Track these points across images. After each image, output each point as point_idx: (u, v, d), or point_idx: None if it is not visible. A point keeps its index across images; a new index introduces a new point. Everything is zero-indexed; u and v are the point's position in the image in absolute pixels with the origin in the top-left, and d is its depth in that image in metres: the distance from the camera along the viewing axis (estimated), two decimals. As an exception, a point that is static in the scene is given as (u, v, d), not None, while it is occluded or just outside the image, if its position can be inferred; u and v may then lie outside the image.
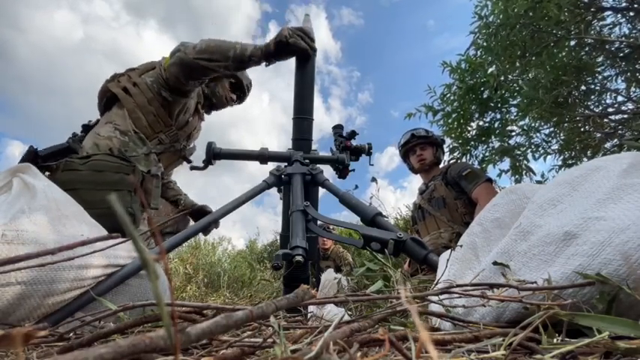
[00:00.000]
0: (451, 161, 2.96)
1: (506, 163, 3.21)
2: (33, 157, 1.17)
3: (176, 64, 1.33)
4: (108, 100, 1.42)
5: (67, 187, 0.99)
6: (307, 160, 1.33)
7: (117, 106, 1.38)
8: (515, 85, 3.16)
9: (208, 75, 1.38)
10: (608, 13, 2.87)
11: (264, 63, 1.36)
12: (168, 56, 1.39)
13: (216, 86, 1.65)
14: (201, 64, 1.31)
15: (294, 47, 1.32)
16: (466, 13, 3.12)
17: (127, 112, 1.34)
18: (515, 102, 3.24)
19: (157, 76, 1.40)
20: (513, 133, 3.31)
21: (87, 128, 1.42)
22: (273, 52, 1.32)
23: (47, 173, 1.14)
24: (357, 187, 1.40)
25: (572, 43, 2.85)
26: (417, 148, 2.14)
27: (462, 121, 3.27)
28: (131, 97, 1.35)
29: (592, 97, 3.11)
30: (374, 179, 1.59)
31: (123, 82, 1.38)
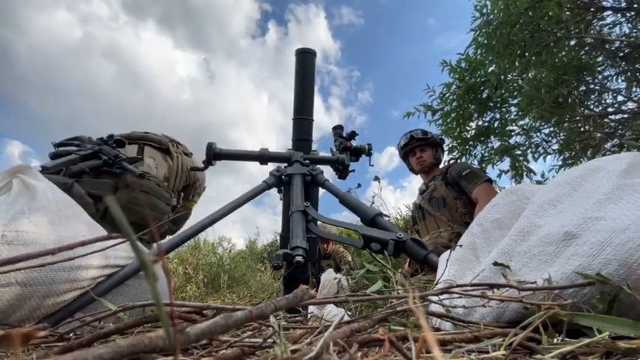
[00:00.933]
0: (451, 161, 2.96)
1: (506, 164, 3.20)
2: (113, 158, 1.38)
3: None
4: (154, 147, 1.68)
5: (142, 189, 1.39)
6: (307, 161, 1.33)
7: (163, 157, 1.67)
8: (515, 84, 3.15)
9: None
10: (609, 12, 2.87)
11: None
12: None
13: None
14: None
15: None
16: (467, 12, 3.11)
17: (168, 168, 1.65)
18: (515, 101, 3.24)
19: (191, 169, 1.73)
20: (513, 133, 3.31)
21: (119, 143, 1.57)
22: None
23: (125, 173, 1.36)
24: (359, 185, 1.40)
25: (573, 42, 2.84)
26: (416, 150, 2.14)
27: (460, 120, 3.26)
28: (177, 163, 1.69)
29: (592, 96, 3.11)
30: (377, 178, 1.59)
31: (175, 149, 1.72)
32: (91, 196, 1.24)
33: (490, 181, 1.87)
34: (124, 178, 1.35)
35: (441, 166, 2.20)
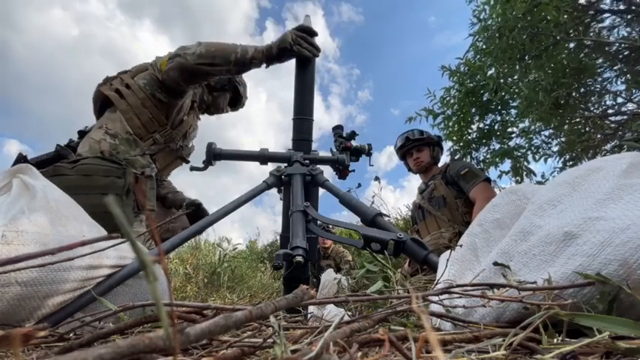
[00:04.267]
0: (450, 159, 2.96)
1: (506, 165, 3.21)
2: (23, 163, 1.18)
3: (175, 69, 1.32)
4: (102, 104, 1.42)
5: (79, 183, 1.08)
6: (307, 161, 1.33)
7: (109, 110, 1.38)
8: (514, 87, 3.16)
9: (209, 79, 1.39)
10: (607, 15, 2.87)
11: (265, 65, 1.37)
12: (166, 59, 1.38)
13: (219, 97, 1.66)
14: (203, 69, 1.30)
15: (298, 54, 1.33)
16: (467, 10, 3.11)
17: (120, 113, 1.33)
18: (515, 104, 3.24)
19: (150, 77, 1.39)
20: (513, 135, 3.31)
21: (83, 134, 1.41)
22: (275, 56, 1.32)
23: None
24: (360, 185, 1.40)
25: (572, 45, 2.85)
26: (413, 151, 2.14)
27: (462, 124, 3.27)
28: (124, 99, 1.35)
29: (592, 98, 3.11)
30: (377, 178, 1.59)
31: (115, 85, 1.38)
32: None
33: (488, 180, 1.87)
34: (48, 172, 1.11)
35: (440, 164, 2.19)
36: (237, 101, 1.73)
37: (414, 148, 2.14)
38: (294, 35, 1.32)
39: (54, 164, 1.15)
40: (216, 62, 1.30)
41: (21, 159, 1.18)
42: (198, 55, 1.30)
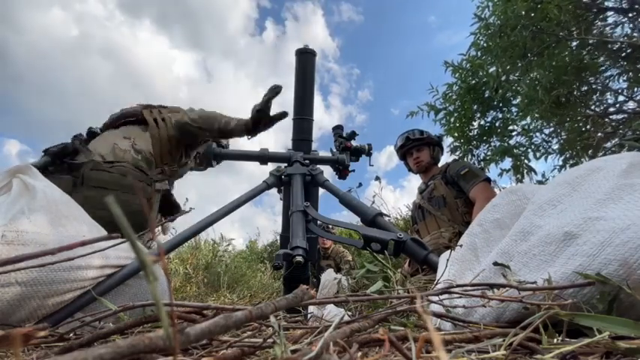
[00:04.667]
0: (450, 159, 2.96)
1: (507, 163, 3.20)
2: (62, 153, 1.28)
3: (176, 127, 1.50)
4: (133, 121, 1.56)
5: (96, 184, 1.22)
6: (307, 161, 1.33)
7: (140, 127, 1.51)
8: (516, 85, 3.16)
9: (196, 140, 1.55)
10: (610, 13, 2.87)
11: (247, 137, 1.50)
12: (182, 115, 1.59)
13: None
14: (191, 130, 1.48)
15: (271, 121, 1.43)
16: (468, 9, 3.11)
17: (151, 137, 1.49)
18: (516, 102, 3.24)
19: (180, 120, 1.58)
20: (514, 133, 3.31)
21: (93, 134, 1.49)
22: (252, 129, 1.44)
23: (69, 171, 1.24)
24: (360, 184, 1.40)
25: (574, 43, 2.84)
26: (413, 150, 2.14)
27: (463, 120, 3.27)
28: (157, 129, 1.52)
29: (593, 96, 3.11)
30: (377, 178, 1.59)
31: (155, 114, 1.56)
32: None
33: (488, 180, 1.86)
34: (81, 174, 1.24)
35: (440, 164, 2.19)
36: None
37: (414, 148, 2.13)
38: (265, 105, 1.39)
39: (90, 159, 1.29)
40: (203, 127, 1.48)
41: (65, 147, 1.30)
42: (193, 119, 1.48)
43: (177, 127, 1.50)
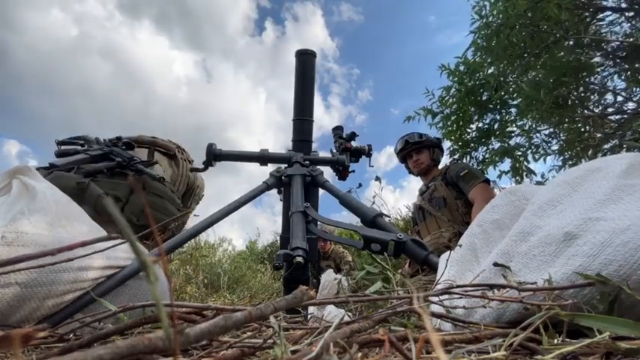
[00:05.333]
0: (450, 161, 2.95)
1: (506, 164, 3.20)
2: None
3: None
4: (162, 152, 1.69)
5: (157, 192, 1.41)
6: (307, 162, 1.33)
7: (169, 163, 1.67)
8: (515, 85, 3.15)
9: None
10: (608, 12, 2.87)
11: None
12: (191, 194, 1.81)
13: None
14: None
15: None
16: (467, 9, 3.11)
17: (176, 175, 1.66)
18: (514, 103, 3.24)
19: (193, 175, 1.77)
20: (513, 134, 3.31)
21: (128, 144, 1.57)
22: None
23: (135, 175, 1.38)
24: (360, 185, 1.40)
25: (572, 43, 2.84)
26: (412, 153, 2.16)
27: (461, 123, 3.27)
28: (181, 171, 1.69)
29: (592, 97, 3.11)
30: (377, 178, 1.59)
31: (181, 155, 1.73)
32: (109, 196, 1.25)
33: (487, 181, 1.87)
34: (139, 181, 1.37)
35: (441, 166, 2.20)
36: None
37: (414, 151, 2.15)
38: None
39: (144, 173, 1.43)
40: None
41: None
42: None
43: (189, 186, 1.73)
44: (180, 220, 1.85)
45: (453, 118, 3.26)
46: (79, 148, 1.41)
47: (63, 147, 1.43)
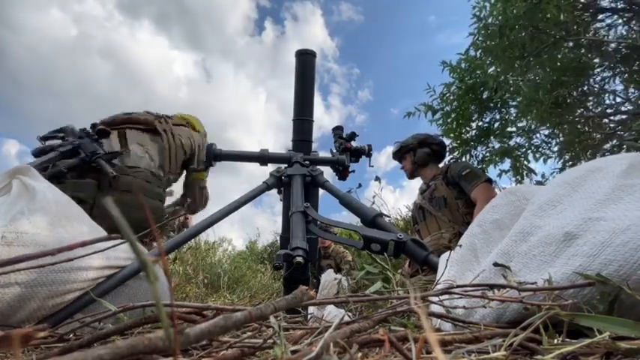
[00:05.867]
0: (451, 161, 2.96)
1: (506, 164, 3.21)
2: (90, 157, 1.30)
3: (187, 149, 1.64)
4: (143, 129, 1.58)
5: (126, 188, 1.29)
6: (307, 162, 1.33)
7: (152, 138, 1.54)
8: (514, 85, 3.16)
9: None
10: (607, 14, 2.87)
11: None
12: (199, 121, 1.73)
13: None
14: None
15: None
16: (468, 9, 3.11)
17: (161, 148, 1.54)
18: (514, 103, 3.25)
19: (188, 139, 1.65)
20: (513, 134, 3.31)
21: (101, 132, 1.46)
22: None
23: (110, 170, 1.27)
24: (360, 185, 1.40)
25: (571, 44, 2.85)
26: (401, 161, 2.24)
27: (461, 121, 3.27)
28: (167, 142, 1.57)
29: (591, 98, 3.11)
30: (377, 178, 1.59)
31: (164, 125, 1.59)
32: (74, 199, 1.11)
33: (489, 181, 1.87)
34: (107, 177, 1.25)
35: (441, 165, 2.20)
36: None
37: (400, 160, 2.23)
38: None
39: (119, 166, 1.34)
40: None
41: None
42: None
43: (189, 151, 1.61)
44: (201, 197, 1.78)
45: (453, 115, 3.27)
46: (56, 143, 1.32)
47: (44, 142, 1.34)
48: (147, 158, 1.46)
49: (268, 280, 4.37)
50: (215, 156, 1.37)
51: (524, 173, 3.13)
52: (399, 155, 2.22)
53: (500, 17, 2.82)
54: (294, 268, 0.91)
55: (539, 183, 3.11)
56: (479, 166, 3.28)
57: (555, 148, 3.23)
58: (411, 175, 2.19)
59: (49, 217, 0.73)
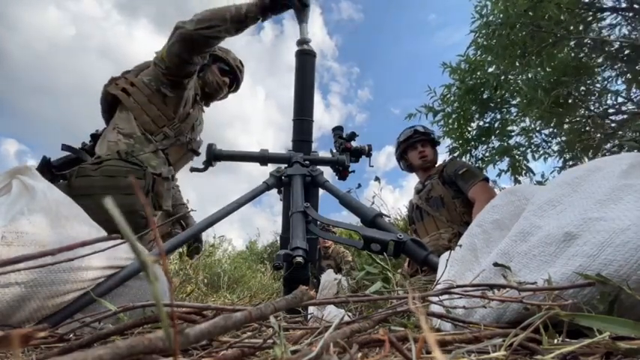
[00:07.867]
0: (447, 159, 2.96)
1: (505, 163, 3.21)
2: (47, 166, 1.21)
3: (178, 41, 1.33)
4: (110, 105, 1.44)
5: (82, 192, 1.07)
6: (307, 162, 1.33)
7: (119, 109, 1.40)
8: (515, 85, 3.16)
9: (211, 44, 1.38)
10: (608, 13, 2.87)
11: (260, 19, 1.36)
12: (165, 48, 1.40)
13: (205, 74, 1.62)
14: (203, 33, 1.31)
15: (288, 1, 1.33)
16: (468, 7, 3.11)
17: (130, 112, 1.36)
18: (515, 102, 3.25)
19: (154, 73, 1.41)
20: (513, 133, 3.31)
21: (96, 137, 1.43)
22: (269, 6, 1.31)
23: (62, 181, 1.16)
24: (359, 185, 1.40)
25: (572, 43, 2.85)
26: (418, 145, 2.11)
27: (462, 121, 3.28)
28: (131, 97, 1.38)
29: (592, 97, 3.11)
30: (377, 178, 1.59)
31: (121, 84, 1.39)
32: None
33: (487, 180, 1.86)
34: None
35: (437, 165, 2.19)
36: (227, 71, 1.67)
37: (419, 142, 2.11)
38: None
39: (78, 166, 1.18)
40: (213, 24, 1.30)
41: (46, 162, 1.22)
42: (196, 21, 1.31)
43: (182, 45, 1.32)
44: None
45: (454, 116, 3.28)
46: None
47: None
48: (122, 140, 1.31)
49: (268, 280, 4.37)
50: (215, 156, 1.37)
51: (523, 172, 3.13)
52: (426, 137, 2.10)
53: (501, 15, 2.82)
54: (294, 268, 0.91)
55: (539, 183, 3.11)
56: (477, 165, 3.28)
57: (555, 148, 3.23)
58: (428, 164, 2.09)
59: (49, 217, 0.73)
